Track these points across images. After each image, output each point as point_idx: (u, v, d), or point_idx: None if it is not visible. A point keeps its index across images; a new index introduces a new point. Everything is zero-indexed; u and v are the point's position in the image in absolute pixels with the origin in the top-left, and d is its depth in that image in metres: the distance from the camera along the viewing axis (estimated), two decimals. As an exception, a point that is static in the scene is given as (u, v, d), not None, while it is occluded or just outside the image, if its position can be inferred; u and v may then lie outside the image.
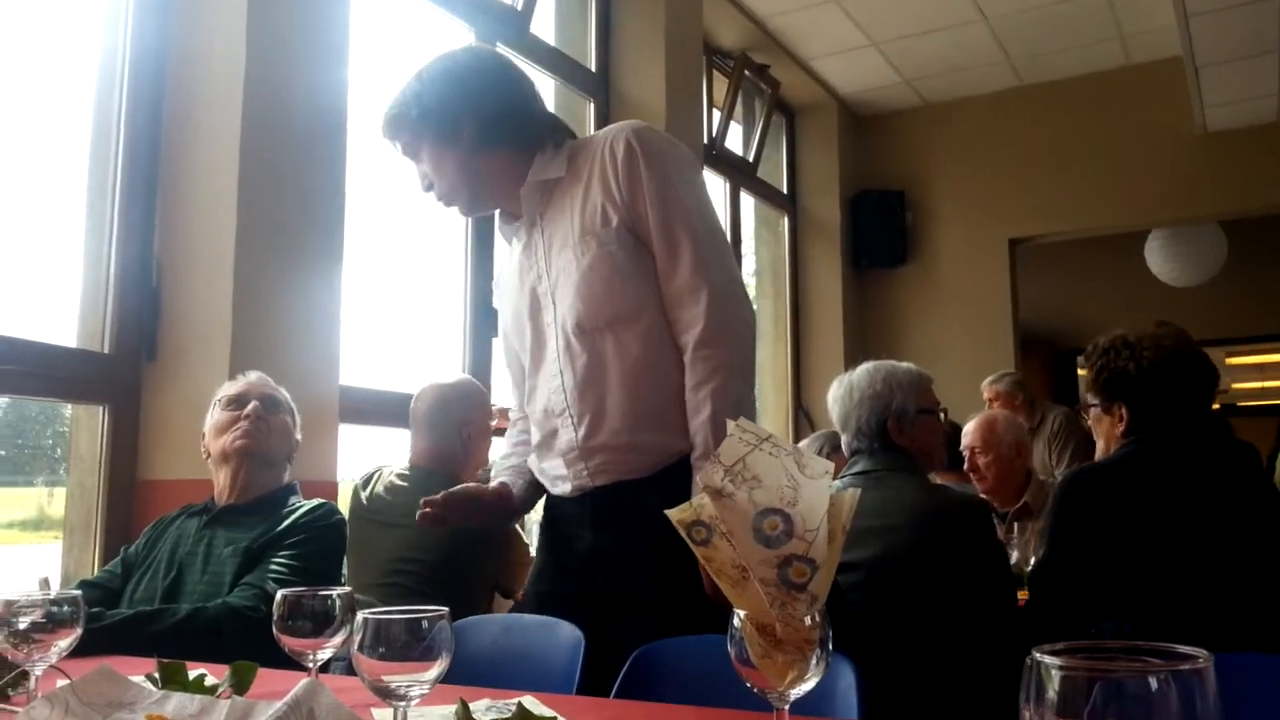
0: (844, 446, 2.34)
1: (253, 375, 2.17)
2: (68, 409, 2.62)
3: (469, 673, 1.52)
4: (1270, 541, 1.87)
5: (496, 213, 1.89)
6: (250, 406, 2.07)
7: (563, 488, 1.76)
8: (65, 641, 1.21)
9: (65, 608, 1.21)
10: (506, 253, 1.93)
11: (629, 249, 1.66)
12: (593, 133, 1.79)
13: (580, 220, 1.71)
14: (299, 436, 2.18)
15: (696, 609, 1.59)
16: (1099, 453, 2.19)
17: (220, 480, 2.07)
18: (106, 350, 2.49)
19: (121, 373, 2.51)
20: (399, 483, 2.58)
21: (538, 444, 1.80)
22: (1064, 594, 1.94)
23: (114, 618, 1.70)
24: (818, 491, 0.90)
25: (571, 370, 1.69)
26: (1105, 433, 2.13)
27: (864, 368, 2.33)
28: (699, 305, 1.62)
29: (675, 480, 1.61)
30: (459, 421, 2.63)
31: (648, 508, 1.63)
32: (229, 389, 2.13)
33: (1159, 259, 6.69)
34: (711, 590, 1.59)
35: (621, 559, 1.67)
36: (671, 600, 1.62)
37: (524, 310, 1.79)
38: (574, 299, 1.68)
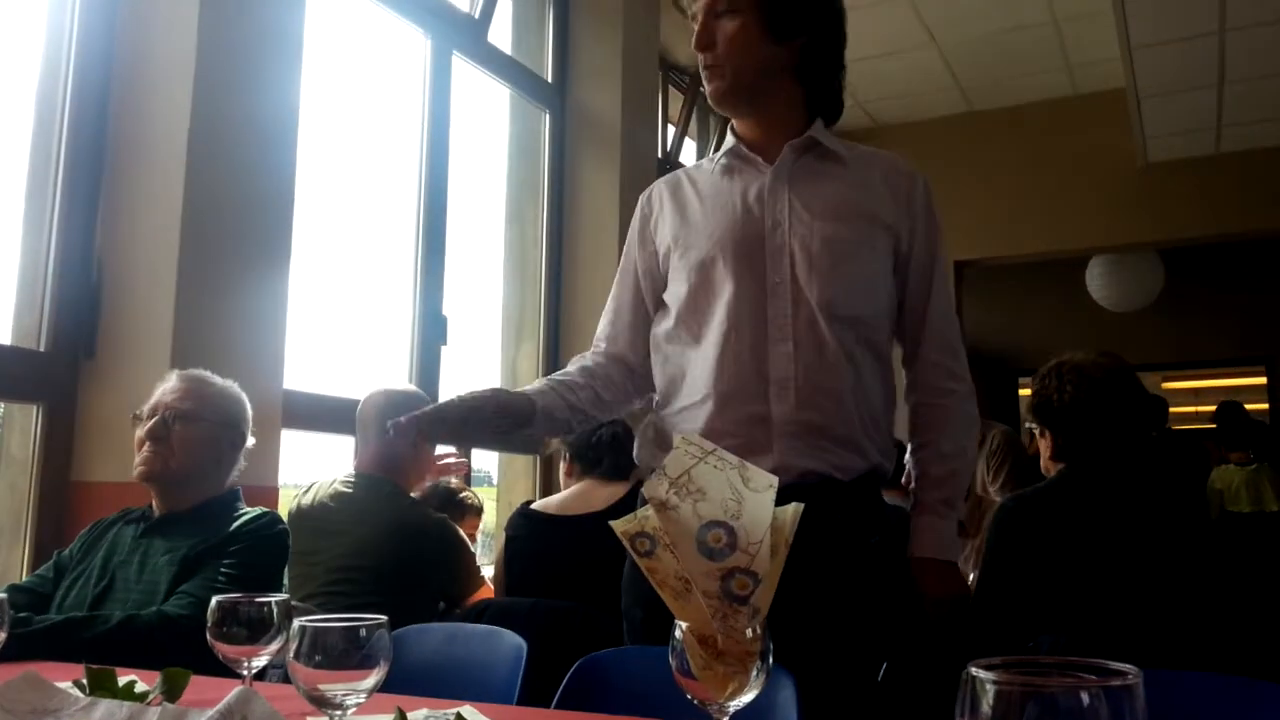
0: None
1: (171, 379, 2.03)
2: (0, 407, 2.55)
3: (410, 682, 1.50)
4: (1196, 563, 1.92)
5: (729, 137, 1.78)
6: (145, 429, 1.95)
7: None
8: (-12, 647, 1.17)
9: (-12, 612, 1.18)
10: (702, 179, 1.76)
11: (888, 262, 1.68)
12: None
13: (859, 203, 1.67)
14: (243, 430, 2.05)
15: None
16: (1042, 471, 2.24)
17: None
18: (42, 348, 2.43)
19: (57, 371, 2.45)
20: (343, 490, 2.54)
21: (716, 400, 1.60)
22: (997, 617, 1.97)
23: (43, 623, 1.64)
24: (761, 505, 0.91)
25: (812, 346, 1.59)
26: (1042, 454, 2.18)
27: None
28: (960, 363, 1.71)
29: (865, 491, 1.62)
30: (409, 426, 2.59)
31: (840, 520, 1.54)
32: (148, 400, 2.00)
33: (1099, 284, 6.84)
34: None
35: (819, 568, 1.49)
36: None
37: (733, 254, 1.64)
38: (831, 275, 1.60)
